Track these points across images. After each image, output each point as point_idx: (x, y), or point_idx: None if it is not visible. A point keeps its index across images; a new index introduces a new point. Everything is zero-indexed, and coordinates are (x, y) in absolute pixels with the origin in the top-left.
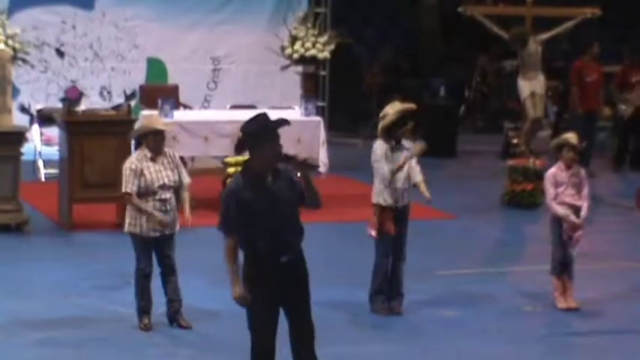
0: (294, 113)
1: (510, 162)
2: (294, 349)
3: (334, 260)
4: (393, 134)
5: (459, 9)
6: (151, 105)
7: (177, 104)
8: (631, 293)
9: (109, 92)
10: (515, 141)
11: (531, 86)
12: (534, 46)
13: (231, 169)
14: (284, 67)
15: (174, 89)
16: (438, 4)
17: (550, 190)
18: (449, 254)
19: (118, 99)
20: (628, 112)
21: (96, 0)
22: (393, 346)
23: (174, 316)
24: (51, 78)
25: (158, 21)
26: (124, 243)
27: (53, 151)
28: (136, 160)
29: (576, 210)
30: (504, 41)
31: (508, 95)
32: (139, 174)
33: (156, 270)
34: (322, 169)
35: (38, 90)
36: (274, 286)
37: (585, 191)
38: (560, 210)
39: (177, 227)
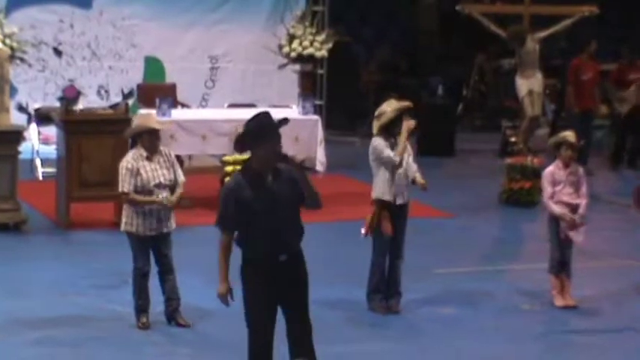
0: (292, 112)
1: (508, 160)
2: (291, 348)
3: (332, 259)
4: (391, 132)
5: (457, 7)
6: (149, 104)
7: (174, 103)
8: (629, 291)
9: (106, 91)
10: (513, 139)
11: (529, 84)
12: (532, 44)
13: (229, 168)
14: (282, 66)
15: (172, 88)
16: (437, 3)
17: (547, 189)
18: (447, 253)
19: (116, 98)
20: (624, 110)
21: None
22: (391, 345)
23: (172, 315)
24: (49, 77)
25: (156, 20)
26: (122, 242)
27: (51, 150)
28: (131, 159)
29: (574, 208)
30: (502, 40)
31: (506, 94)
32: (135, 173)
33: (154, 269)
34: (320, 167)
35: (36, 89)
36: (273, 285)
37: (584, 189)
38: (557, 209)
39: (174, 226)
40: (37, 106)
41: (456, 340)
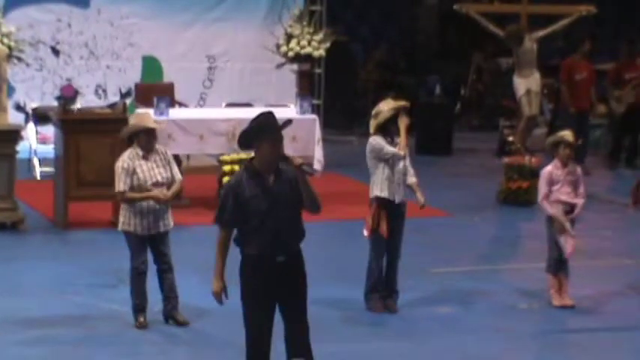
0: (290, 111)
1: (506, 160)
2: (288, 348)
3: (329, 258)
4: (388, 131)
5: (455, 7)
6: (147, 103)
7: (172, 102)
8: (626, 290)
9: (104, 90)
10: (510, 139)
11: (527, 84)
12: (530, 43)
13: (226, 167)
14: (279, 65)
15: (170, 87)
16: (438, 4)
17: (543, 189)
18: (444, 252)
19: (114, 97)
20: (620, 110)
21: None
22: (388, 344)
23: (170, 313)
24: (46, 76)
25: (153, 19)
26: (120, 241)
27: (49, 150)
28: (127, 158)
29: (572, 208)
30: (500, 39)
31: (504, 93)
32: (132, 172)
33: (152, 268)
34: (317, 166)
35: (33, 88)
36: (271, 284)
37: (582, 189)
38: (550, 209)
39: (172, 224)
40: (34, 105)
41: (454, 340)
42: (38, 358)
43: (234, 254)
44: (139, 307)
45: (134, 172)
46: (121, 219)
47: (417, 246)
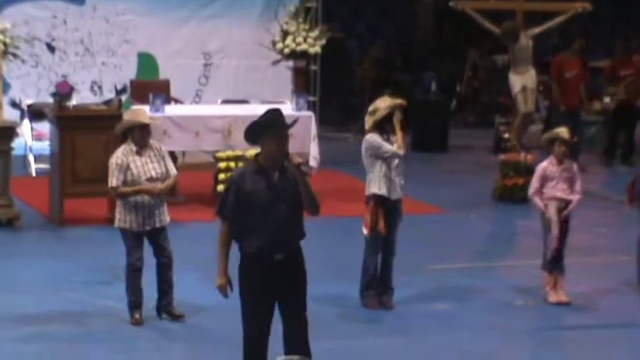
0: (286, 108)
1: (502, 157)
2: (286, 344)
3: (325, 255)
4: (384, 128)
5: (451, 3)
6: (142, 100)
7: (168, 99)
8: (622, 287)
9: (99, 87)
10: (506, 136)
11: (522, 81)
12: (525, 40)
13: (222, 164)
14: (275, 62)
15: (166, 84)
16: (434, 1)
17: (535, 184)
18: (440, 249)
19: (109, 94)
20: (611, 106)
21: None
22: (384, 340)
23: (166, 308)
24: (42, 73)
25: (149, 16)
26: (116, 238)
27: (44, 146)
28: (121, 154)
29: (568, 204)
30: (495, 36)
31: (499, 90)
32: (125, 168)
33: (148, 264)
34: (313, 163)
35: (29, 85)
36: (269, 282)
37: (578, 186)
38: (540, 203)
39: (168, 220)
40: (30, 102)
41: (449, 336)
42: (34, 354)
43: (233, 251)
44: (135, 303)
45: (128, 167)
46: (117, 216)
47: (413, 243)
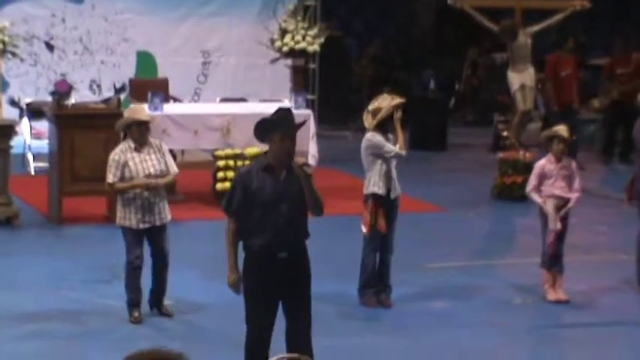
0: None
1: (500, 155)
2: (288, 343)
3: (323, 253)
4: (386, 128)
5: (449, 1)
6: (141, 98)
7: (167, 97)
8: (621, 285)
9: (98, 86)
10: (505, 134)
11: (521, 79)
12: (524, 38)
13: (221, 163)
14: (274, 60)
15: (164, 82)
16: (436, 0)
17: (532, 181)
18: (439, 247)
19: (108, 92)
20: (603, 104)
21: None
22: (383, 339)
23: (157, 305)
24: (40, 71)
25: (148, 14)
26: (114, 236)
27: (43, 145)
28: (120, 151)
29: (566, 202)
30: (494, 34)
31: (498, 88)
32: (123, 165)
33: (147, 262)
34: (312, 161)
35: (28, 83)
36: (272, 281)
37: (576, 184)
38: (539, 199)
39: (169, 218)
40: (28, 100)
41: (448, 334)
42: (33, 352)
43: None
44: (134, 301)
45: (126, 164)
46: (118, 214)
47: (412, 241)
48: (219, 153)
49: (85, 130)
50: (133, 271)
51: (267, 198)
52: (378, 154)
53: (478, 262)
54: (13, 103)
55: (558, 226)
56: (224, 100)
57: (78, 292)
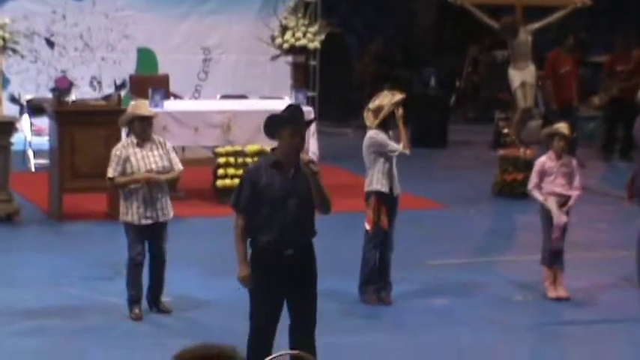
0: (285, 103)
1: (501, 152)
2: (291, 339)
3: (324, 250)
4: (387, 125)
5: None
6: (142, 95)
7: (167, 94)
8: (621, 282)
9: (99, 82)
10: (505, 131)
11: (522, 76)
12: (525, 35)
13: (221, 159)
14: (274, 57)
15: (165, 79)
16: None
17: (534, 179)
18: (439, 244)
19: (108, 89)
20: (602, 101)
21: None
22: (383, 336)
23: (155, 302)
24: (41, 68)
25: (148, 11)
26: (115, 233)
27: (43, 141)
28: (122, 146)
29: (567, 200)
30: (495, 31)
31: (499, 85)
32: (124, 160)
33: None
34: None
35: (28, 80)
36: (278, 279)
37: (577, 181)
38: (540, 197)
39: (172, 214)
40: (29, 97)
41: (449, 331)
42: (33, 349)
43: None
44: (135, 298)
45: (127, 159)
46: (121, 209)
47: (412, 238)
48: (220, 150)
49: (86, 127)
50: (134, 268)
51: (276, 195)
52: (381, 152)
53: (479, 259)
54: (14, 99)
55: (564, 218)
56: (224, 97)
57: (78, 289)
